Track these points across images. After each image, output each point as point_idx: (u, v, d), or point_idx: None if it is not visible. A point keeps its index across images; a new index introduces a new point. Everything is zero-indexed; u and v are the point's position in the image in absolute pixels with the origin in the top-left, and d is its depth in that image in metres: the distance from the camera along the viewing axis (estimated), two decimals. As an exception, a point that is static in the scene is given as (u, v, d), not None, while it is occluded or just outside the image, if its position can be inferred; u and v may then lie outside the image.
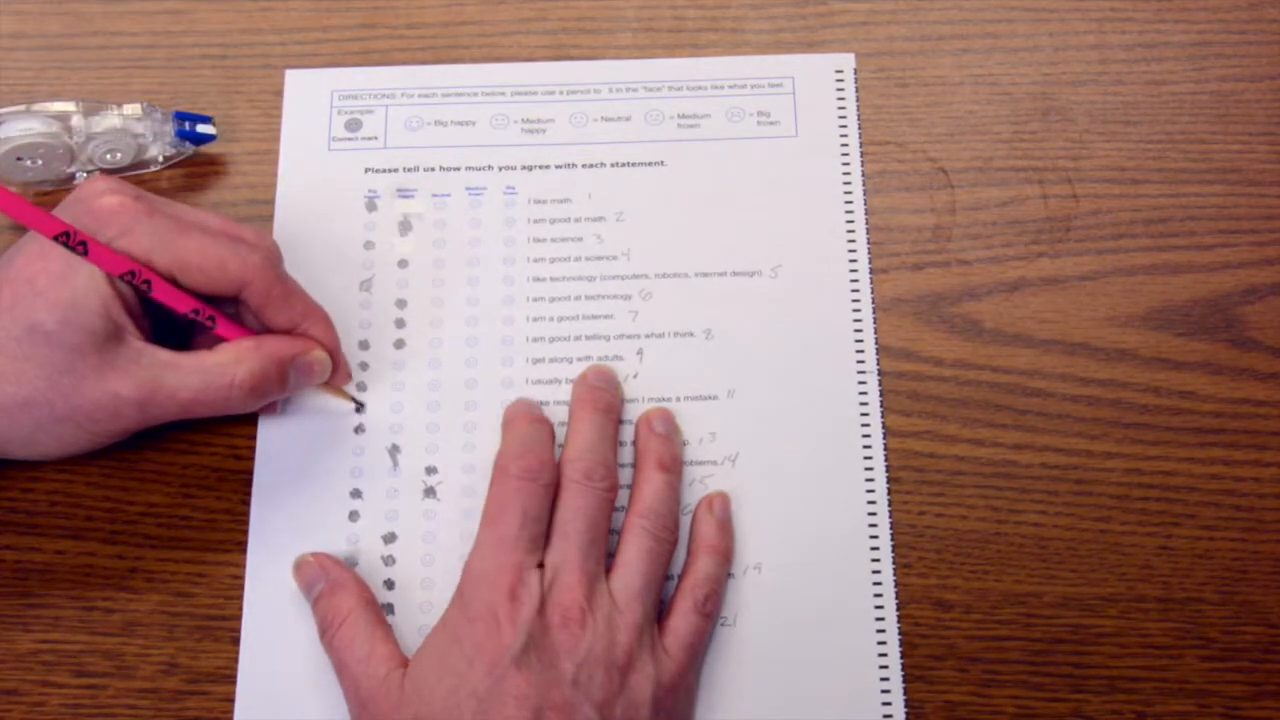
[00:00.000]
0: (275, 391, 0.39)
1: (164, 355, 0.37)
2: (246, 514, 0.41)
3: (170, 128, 0.44)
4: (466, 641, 0.35)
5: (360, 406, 0.42)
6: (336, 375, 0.41)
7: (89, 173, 0.43)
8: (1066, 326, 0.43)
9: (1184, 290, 0.43)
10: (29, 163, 0.42)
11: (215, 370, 0.37)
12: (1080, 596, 0.40)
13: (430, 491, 0.41)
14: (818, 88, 0.46)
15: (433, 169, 0.45)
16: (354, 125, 0.46)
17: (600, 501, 0.38)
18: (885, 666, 0.40)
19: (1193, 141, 0.45)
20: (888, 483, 0.41)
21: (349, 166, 0.45)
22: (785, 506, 0.41)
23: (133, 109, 0.43)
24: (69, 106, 0.42)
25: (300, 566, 0.40)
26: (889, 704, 0.39)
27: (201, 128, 0.44)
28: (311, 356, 0.39)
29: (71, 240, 0.35)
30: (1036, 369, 0.43)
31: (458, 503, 0.41)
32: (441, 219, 0.44)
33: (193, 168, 0.45)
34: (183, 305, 0.37)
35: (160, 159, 0.44)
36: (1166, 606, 0.40)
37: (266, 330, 0.39)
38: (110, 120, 0.42)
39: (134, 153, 0.43)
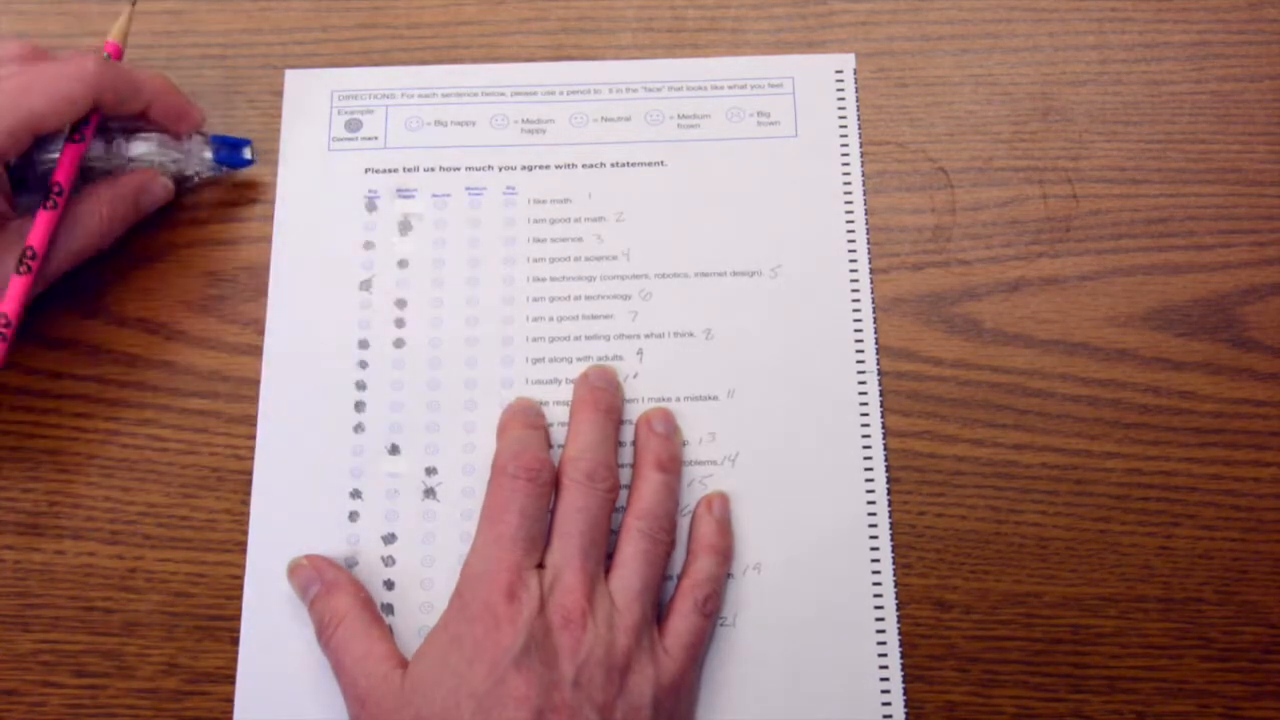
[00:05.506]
0: (132, 221, 0.43)
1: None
2: (246, 514, 0.41)
3: (209, 152, 0.44)
4: (466, 642, 0.35)
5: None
6: (189, 121, 0.43)
7: None
8: (1066, 326, 0.43)
9: (1184, 290, 0.43)
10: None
11: (87, 217, 0.41)
12: (1080, 596, 0.40)
13: (430, 492, 0.41)
14: (818, 88, 0.46)
15: (433, 169, 0.45)
16: (354, 125, 0.46)
17: (601, 502, 0.38)
18: (885, 666, 0.40)
19: (1193, 141, 0.45)
20: (888, 483, 0.41)
21: (349, 166, 0.45)
22: (785, 506, 0.41)
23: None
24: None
25: (295, 569, 0.40)
26: (889, 704, 0.39)
27: (244, 152, 0.44)
28: (157, 184, 0.43)
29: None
30: (1036, 369, 0.43)
31: (458, 503, 0.41)
32: (441, 219, 0.44)
33: (193, 168, 0.45)
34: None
35: (196, 179, 0.44)
36: (1166, 606, 0.40)
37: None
38: (147, 146, 0.43)
39: (171, 174, 0.44)
